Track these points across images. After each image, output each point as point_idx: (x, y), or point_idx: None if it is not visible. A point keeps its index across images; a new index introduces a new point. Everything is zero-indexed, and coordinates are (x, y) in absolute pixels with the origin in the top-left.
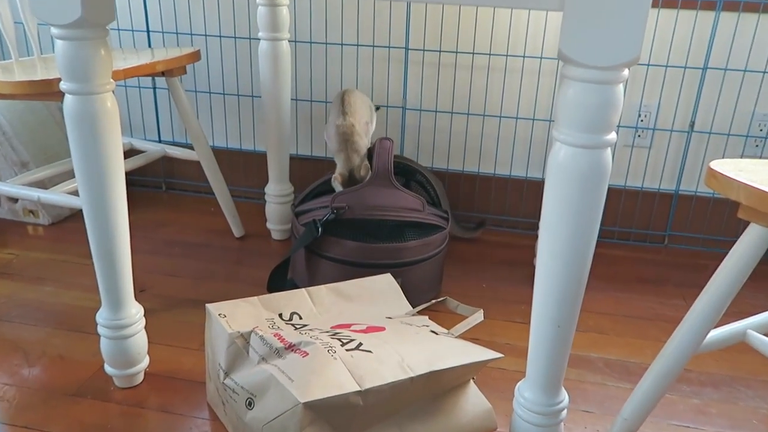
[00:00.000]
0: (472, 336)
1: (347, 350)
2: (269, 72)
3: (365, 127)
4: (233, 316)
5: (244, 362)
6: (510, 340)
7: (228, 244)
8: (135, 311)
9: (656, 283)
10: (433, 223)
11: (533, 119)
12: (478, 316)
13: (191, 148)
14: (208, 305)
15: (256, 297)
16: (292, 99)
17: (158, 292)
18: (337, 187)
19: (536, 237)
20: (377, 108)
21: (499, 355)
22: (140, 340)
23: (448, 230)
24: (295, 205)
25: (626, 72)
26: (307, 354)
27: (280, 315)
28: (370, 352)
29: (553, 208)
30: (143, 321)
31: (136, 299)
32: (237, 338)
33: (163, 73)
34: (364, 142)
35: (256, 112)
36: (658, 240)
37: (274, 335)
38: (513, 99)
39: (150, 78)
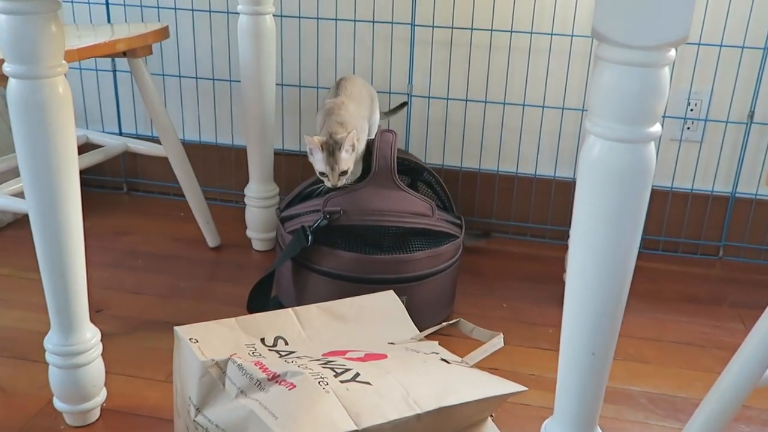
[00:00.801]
0: (490, 365)
1: (342, 381)
2: (250, 52)
3: (360, 120)
4: (207, 341)
5: (219, 396)
6: (535, 371)
7: (201, 255)
8: (90, 335)
9: (709, 302)
10: (444, 230)
11: (563, 108)
12: (497, 342)
13: (158, 142)
14: (176, 328)
15: (233, 318)
16: (277, 84)
17: (118, 313)
18: (317, 160)
19: (566, 248)
20: (403, 105)
21: (522, 388)
22: (96, 369)
23: (461, 239)
24: (280, 209)
25: (673, 53)
26: (294, 386)
27: (263, 340)
28: (368, 384)
29: (587, 214)
30: (100, 347)
31: (91, 321)
32: (211, 367)
33: (124, 54)
34: (352, 120)
35: (235, 100)
36: (712, 252)
37: (255, 364)
38: (539, 84)
39: (109, 59)
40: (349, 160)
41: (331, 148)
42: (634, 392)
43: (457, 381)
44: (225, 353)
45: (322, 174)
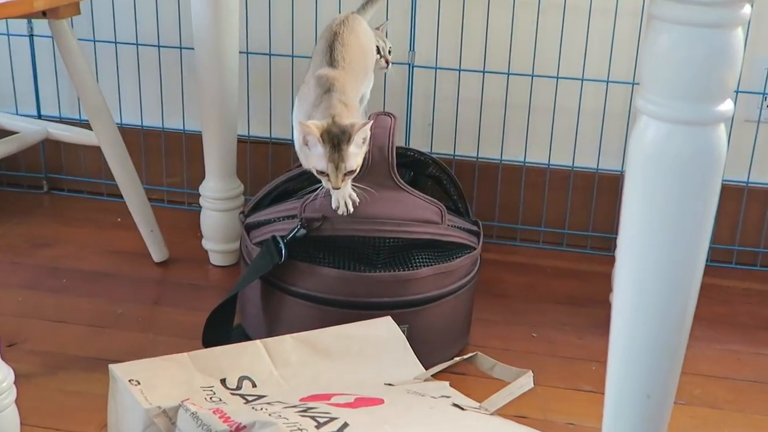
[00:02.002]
0: (516, 412)
1: None
2: (206, 12)
3: (357, 99)
4: (151, 383)
5: None
6: (574, 418)
7: (143, 272)
8: (1, 377)
9: None
10: (457, 240)
11: (607, 81)
12: (525, 382)
13: (88, 127)
14: (112, 366)
15: (186, 354)
16: (241, 52)
17: (37, 348)
18: (315, 154)
19: (612, 260)
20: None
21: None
22: (8, 420)
23: (478, 251)
24: (245, 213)
25: (747, 9)
26: None
27: (223, 381)
28: None
29: (638, 217)
30: (13, 391)
31: (1, 358)
32: (157, 416)
33: (44, 13)
34: (354, 100)
35: (187, 73)
36: None
37: (214, 412)
38: (576, 52)
39: (25, 21)
40: (358, 156)
41: (336, 140)
42: None
43: (467, 425)
44: (175, 398)
45: (321, 173)
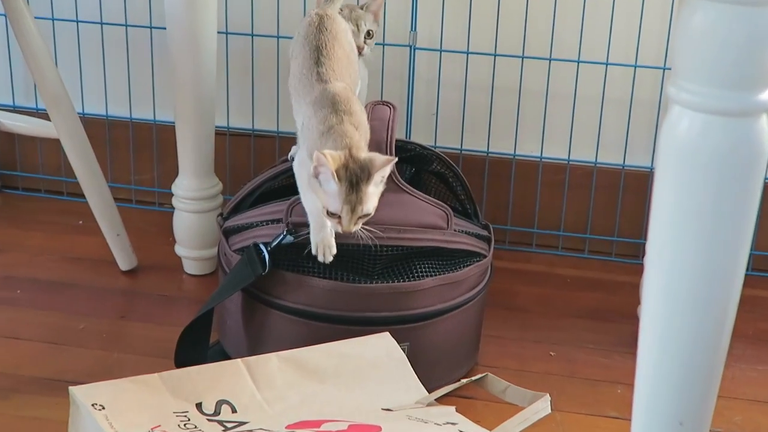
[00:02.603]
0: None
1: None
2: None
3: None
4: (117, 408)
5: None
6: None
7: (108, 282)
8: None
9: None
10: (464, 247)
11: (635, 66)
12: (541, 407)
13: (45, 117)
14: (72, 389)
15: (156, 375)
16: (219, 32)
17: None
18: (328, 192)
19: (640, 269)
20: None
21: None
22: None
23: (489, 258)
24: (224, 216)
25: None
26: None
27: (199, 406)
28: None
29: (670, 220)
30: None
31: None
32: None
33: None
34: (364, 122)
35: (158, 55)
36: None
37: None
38: (600, 32)
39: None
40: (375, 197)
41: (355, 178)
42: None
43: None
44: (144, 425)
45: (332, 215)
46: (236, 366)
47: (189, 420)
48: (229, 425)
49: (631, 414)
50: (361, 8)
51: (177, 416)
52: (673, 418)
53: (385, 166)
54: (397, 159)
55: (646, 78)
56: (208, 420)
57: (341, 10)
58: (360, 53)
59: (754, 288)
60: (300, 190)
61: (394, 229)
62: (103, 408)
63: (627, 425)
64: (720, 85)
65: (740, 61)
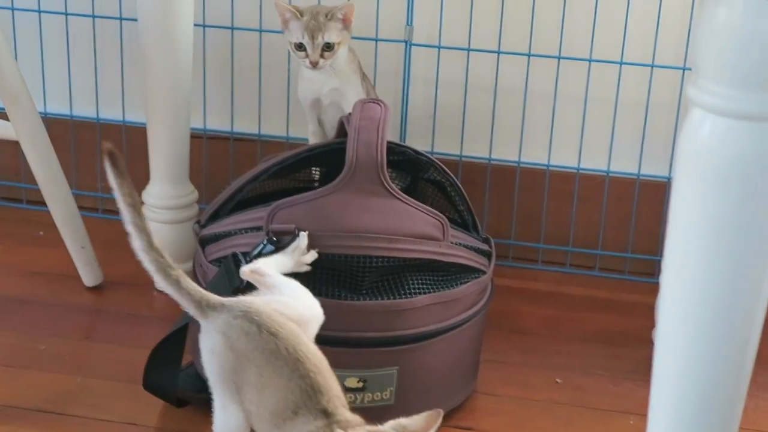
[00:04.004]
0: None
1: None
2: None
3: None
4: None
5: None
6: None
7: (71, 299)
8: None
9: None
10: (462, 261)
11: (652, 66)
12: None
13: (4, 117)
14: None
15: None
16: (196, 25)
17: None
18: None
19: (656, 288)
20: None
21: None
22: None
23: (489, 275)
24: (201, 224)
25: None
26: None
27: None
28: None
29: (689, 233)
30: None
31: None
32: None
33: None
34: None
35: (129, 50)
36: None
37: None
38: (614, 29)
39: None
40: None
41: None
42: None
43: None
44: None
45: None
46: None
47: None
48: None
49: None
50: (327, 15)
51: None
52: None
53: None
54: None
55: (664, 79)
56: None
57: (300, 15)
58: (314, 66)
59: None
60: None
61: (385, 239)
62: None
63: None
64: (746, 87)
65: (765, 60)
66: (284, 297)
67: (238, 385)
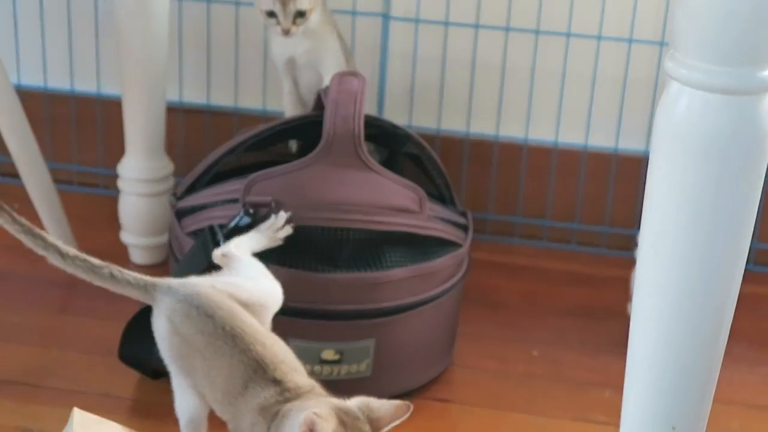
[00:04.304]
0: None
1: None
2: None
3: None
4: None
5: None
6: None
7: (45, 272)
8: None
9: None
10: (439, 235)
11: (629, 40)
12: None
13: None
14: (75, 410)
15: None
16: None
17: None
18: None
19: (632, 262)
20: None
21: None
22: None
23: (466, 249)
24: (177, 196)
25: None
26: None
27: None
28: None
29: (665, 208)
30: None
31: None
32: None
33: None
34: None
35: (103, 22)
36: None
37: None
38: (592, 3)
39: None
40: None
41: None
42: None
43: None
44: None
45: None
46: None
47: None
48: None
49: (620, 419)
50: None
51: None
52: (666, 423)
53: None
54: None
55: (641, 54)
56: None
57: None
58: (286, 34)
59: (755, 284)
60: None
61: (361, 212)
62: None
63: (615, 431)
64: (723, 61)
65: (746, 34)
66: (238, 279)
67: (186, 370)
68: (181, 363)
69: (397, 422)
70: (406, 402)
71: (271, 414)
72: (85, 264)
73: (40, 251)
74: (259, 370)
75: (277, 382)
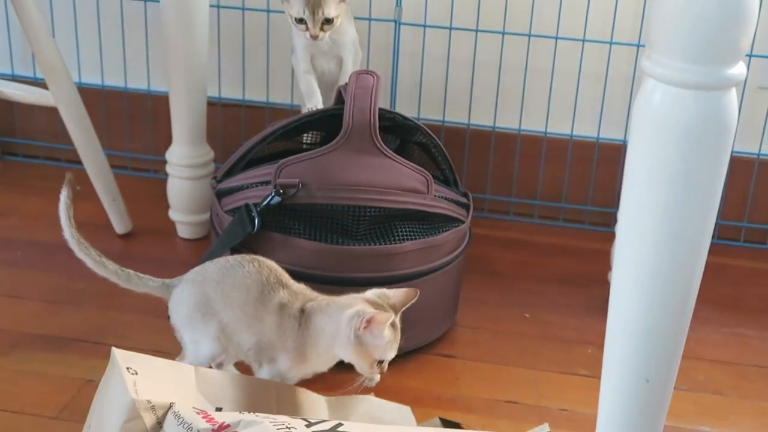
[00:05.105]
0: (508, 397)
1: None
2: None
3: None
4: (149, 378)
5: None
6: (568, 404)
7: (105, 245)
8: None
9: None
10: (444, 212)
11: (610, 42)
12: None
13: (43, 86)
14: (115, 350)
15: (193, 368)
16: (211, 6)
17: None
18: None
19: (612, 237)
20: None
21: (543, 430)
22: None
23: (467, 225)
24: (217, 179)
25: None
26: None
27: (219, 410)
28: None
29: (641, 190)
30: None
31: None
32: (146, 410)
33: None
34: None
35: (152, 28)
36: None
37: (198, 413)
38: (577, 10)
39: None
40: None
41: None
42: None
43: None
44: (167, 399)
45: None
46: (266, 385)
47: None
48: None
49: (601, 372)
50: None
51: (194, 409)
52: (640, 376)
53: None
54: None
55: (621, 54)
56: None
57: None
58: (315, 39)
59: (718, 256)
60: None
61: (376, 192)
62: (136, 374)
63: (597, 383)
64: (692, 60)
65: (712, 36)
66: None
67: (205, 311)
68: (200, 309)
69: (408, 305)
70: (414, 288)
71: (294, 311)
72: (128, 274)
73: (91, 264)
74: (268, 280)
75: (284, 285)
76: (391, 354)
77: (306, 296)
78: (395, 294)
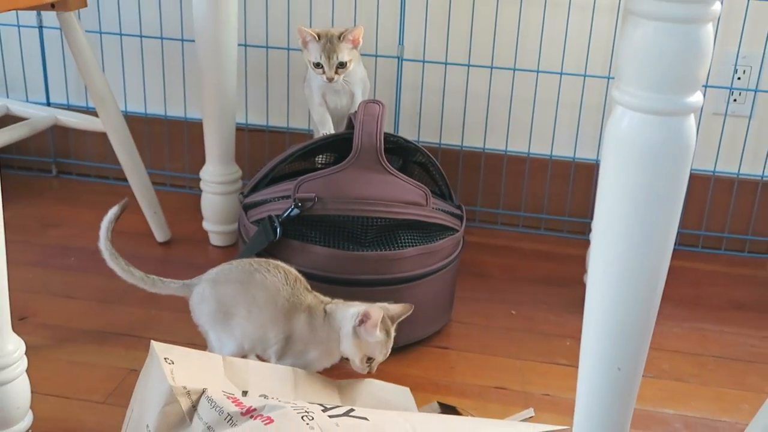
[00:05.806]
0: (496, 383)
1: (331, 417)
2: (206, 5)
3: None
4: (183, 367)
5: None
6: (550, 390)
7: (147, 252)
8: (12, 348)
9: (758, 310)
10: (441, 222)
11: (585, 75)
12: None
13: (94, 114)
14: (154, 342)
15: (221, 357)
16: (239, 45)
17: (46, 321)
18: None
19: (587, 244)
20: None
21: (528, 413)
22: (20, 388)
23: (461, 233)
24: (244, 194)
25: (718, 6)
26: (272, 421)
27: (245, 393)
28: (365, 419)
29: (612, 203)
30: (24, 361)
31: (13, 330)
32: (182, 395)
33: (53, 6)
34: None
35: (188, 64)
36: (762, 249)
37: (229, 398)
38: (556, 45)
39: (34, 12)
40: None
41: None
42: (667, 416)
43: (475, 426)
44: (201, 385)
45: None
46: (284, 370)
47: (233, 396)
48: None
49: (578, 362)
50: (339, 37)
51: (224, 393)
52: (613, 364)
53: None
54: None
55: (593, 85)
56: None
57: (318, 38)
58: (330, 81)
59: (680, 260)
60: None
61: (382, 204)
62: (173, 363)
63: (575, 371)
64: (656, 89)
65: (672, 69)
66: None
67: (226, 310)
68: (222, 310)
69: (403, 317)
70: (410, 304)
71: (320, 311)
72: (152, 280)
73: (121, 273)
74: (295, 284)
75: (309, 291)
76: (381, 356)
77: (322, 299)
78: (394, 307)
